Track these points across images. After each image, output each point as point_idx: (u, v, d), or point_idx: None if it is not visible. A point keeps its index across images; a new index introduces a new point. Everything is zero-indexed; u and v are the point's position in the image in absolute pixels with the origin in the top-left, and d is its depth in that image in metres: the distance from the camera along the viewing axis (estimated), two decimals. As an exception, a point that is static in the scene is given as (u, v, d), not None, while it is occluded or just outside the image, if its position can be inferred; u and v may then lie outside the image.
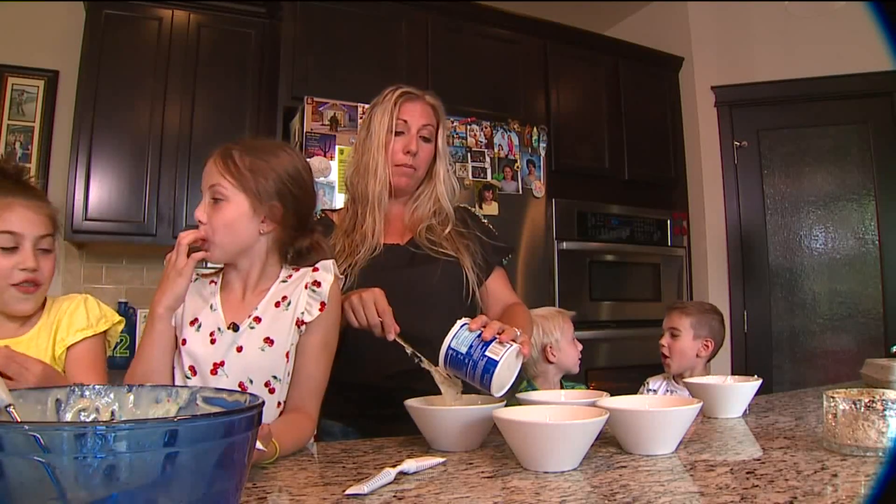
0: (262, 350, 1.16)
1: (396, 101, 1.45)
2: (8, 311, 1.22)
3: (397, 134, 1.45)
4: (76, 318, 1.31)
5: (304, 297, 1.19)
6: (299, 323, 1.18)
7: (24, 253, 1.19)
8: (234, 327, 1.18)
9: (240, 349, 1.16)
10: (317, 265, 1.23)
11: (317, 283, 1.20)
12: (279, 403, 1.17)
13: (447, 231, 1.48)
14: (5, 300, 1.20)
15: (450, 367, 1.12)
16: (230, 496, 0.60)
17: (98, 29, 2.79)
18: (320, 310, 1.18)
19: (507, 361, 1.07)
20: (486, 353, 1.07)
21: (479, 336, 1.10)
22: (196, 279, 1.23)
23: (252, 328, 1.18)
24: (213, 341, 1.17)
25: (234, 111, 2.96)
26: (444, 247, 1.45)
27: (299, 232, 1.23)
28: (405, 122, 1.45)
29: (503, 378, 1.08)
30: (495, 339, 1.10)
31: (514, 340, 1.11)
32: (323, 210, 1.58)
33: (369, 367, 1.36)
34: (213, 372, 1.15)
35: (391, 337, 1.21)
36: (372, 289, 1.25)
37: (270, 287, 1.22)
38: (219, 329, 1.18)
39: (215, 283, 1.24)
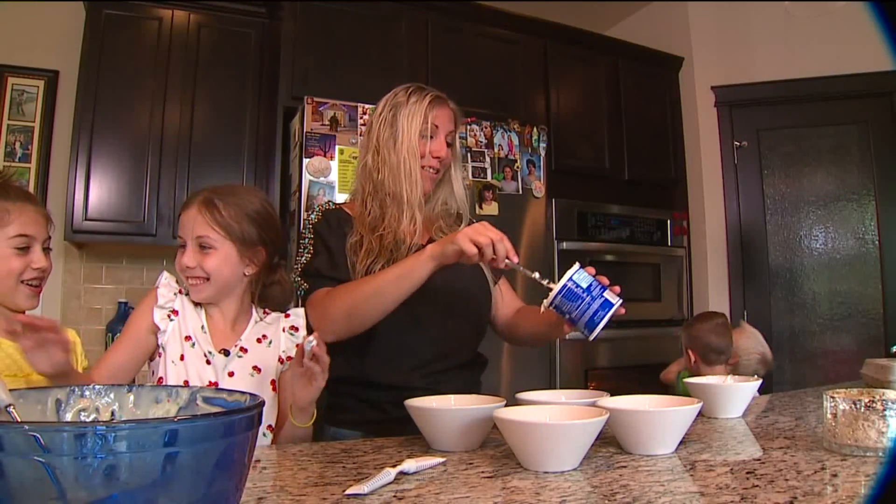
0: (252, 376, 1.32)
1: (430, 106, 1.44)
2: (16, 307, 1.28)
3: (429, 138, 1.44)
4: (78, 349, 1.43)
5: (283, 338, 1.38)
6: (282, 360, 1.36)
7: (35, 254, 1.28)
8: (225, 352, 1.31)
9: (231, 374, 1.30)
10: (288, 312, 1.41)
11: (294, 328, 1.39)
12: (269, 426, 1.30)
13: (455, 230, 1.50)
14: (15, 297, 1.27)
15: (563, 299, 1.17)
16: (230, 496, 0.60)
17: (98, 29, 2.79)
18: (297, 349, 1.36)
19: (616, 309, 1.16)
20: (605, 295, 1.16)
21: (596, 278, 1.18)
22: (186, 294, 1.34)
23: (240, 357, 1.32)
24: (207, 362, 1.29)
25: (234, 111, 2.96)
26: None
27: (270, 269, 1.40)
28: (436, 126, 1.45)
29: (606, 322, 1.16)
30: (608, 287, 1.18)
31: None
32: (335, 203, 1.54)
33: (402, 364, 1.37)
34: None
35: (516, 259, 1.21)
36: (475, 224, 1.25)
37: (248, 323, 1.37)
38: (209, 352, 1.30)
39: (199, 305, 1.34)
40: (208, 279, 1.30)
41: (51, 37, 3.02)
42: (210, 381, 1.27)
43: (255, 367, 1.33)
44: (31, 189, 2.93)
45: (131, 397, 0.77)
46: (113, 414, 0.76)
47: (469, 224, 1.56)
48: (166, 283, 1.33)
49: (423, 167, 1.44)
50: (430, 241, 1.47)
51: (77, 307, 2.99)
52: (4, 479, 0.51)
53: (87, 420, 0.75)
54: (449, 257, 1.22)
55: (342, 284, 1.34)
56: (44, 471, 0.50)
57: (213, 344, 1.31)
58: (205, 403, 0.75)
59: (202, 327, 1.32)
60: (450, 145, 1.48)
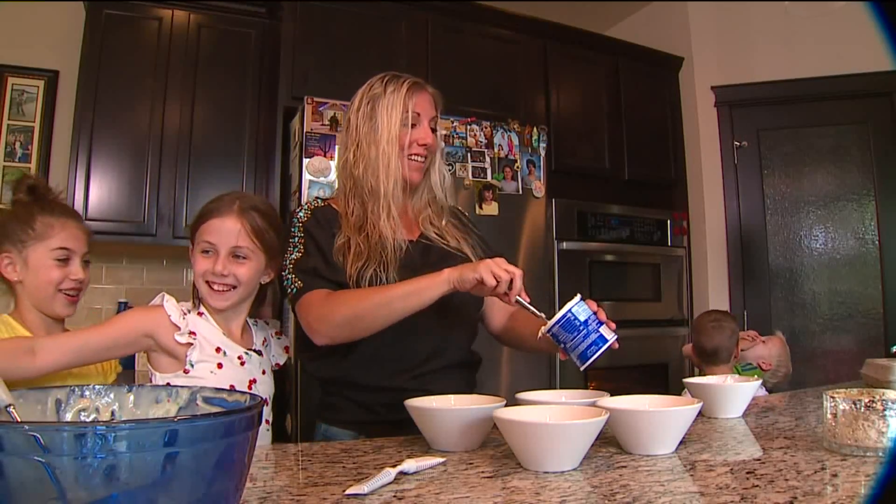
0: (271, 376, 1.42)
1: (408, 94, 1.40)
2: (54, 314, 1.39)
3: (412, 126, 1.40)
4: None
5: (273, 342, 1.48)
6: (274, 364, 1.47)
7: (74, 266, 1.39)
8: (259, 352, 1.38)
9: (264, 372, 1.38)
10: (266, 320, 1.50)
11: (278, 333, 1.51)
12: (266, 420, 1.36)
13: (444, 222, 1.49)
14: (53, 305, 1.37)
15: (561, 328, 1.20)
16: (230, 496, 0.60)
17: (98, 29, 2.79)
18: (286, 351, 1.50)
19: (609, 344, 1.19)
20: (600, 330, 1.20)
21: (595, 314, 1.20)
22: (189, 312, 1.34)
23: (261, 357, 1.39)
24: (242, 363, 1.34)
25: (234, 111, 2.96)
26: (447, 239, 1.46)
27: None
28: (418, 114, 1.41)
29: (599, 356, 1.20)
30: (605, 323, 1.20)
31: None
32: (323, 199, 1.49)
33: (389, 367, 1.35)
34: (249, 387, 1.33)
35: (527, 299, 1.24)
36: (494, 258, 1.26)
37: (250, 327, 1.43)
38: (245, 353, 1.35)
39: (204, 315, 1.35)
40: (236, 287, 1.33)
41: (51, 37, 3.02)
42: (250, 380, 1.33)
43: (273, 368, 1.44)
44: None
45: (131, 397, 0.77)
46: (113, 414, 0.76)
47: (452, 212, 1.55)
48: (173, 307, 1.31)
49: (409, 156, 1.40)
50: (422, 235, 1.46)
51: (77, 307, 2.99)
52: (4, 479, 0.51)
53: (87, 420, 0.75)
54: (466, 283, 1.22)
55: (346, 290, 1.31)
56: (44, 471, 0.50)
57: (238, 347, 1.35)
58: (205, 403, 0.75)
59: (224, 334, 1.35)
60: (434, 131, 1.45)
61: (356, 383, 1.36)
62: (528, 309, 1.24)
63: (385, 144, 1.38)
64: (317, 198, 1.50)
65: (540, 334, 1.23)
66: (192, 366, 1.27)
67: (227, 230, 1.31)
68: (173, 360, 1.28)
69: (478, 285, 1.22)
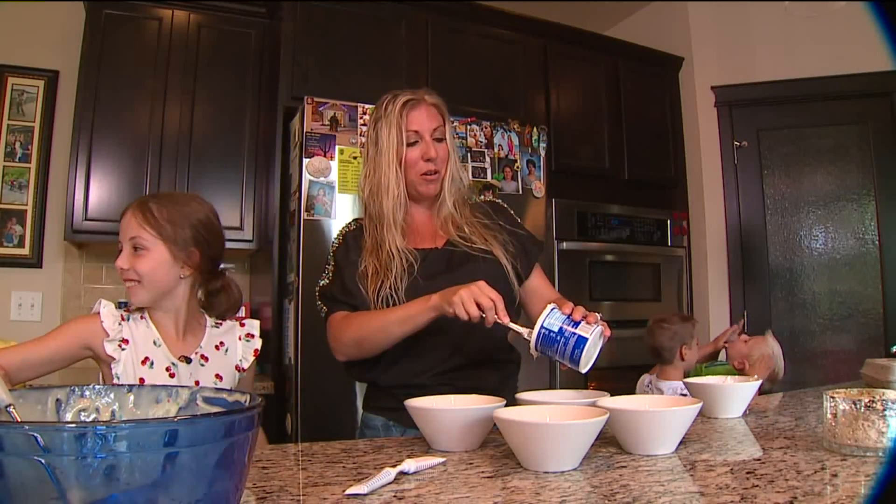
0: (215, 384, 1.35)
1: (401, 113, 1.42)
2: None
3: (411, 145, 1.43)
4: None
5: (240, 346, 1.43)
6: (238, 369, 1.41)
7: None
8: (187, 360, 1.33)
9: (197, 383, 1.32)
10: (243, 321, 1.45)
11: (250, 335, 1.45)
12: None
13: (469, 224, 1.50)
14: None
15: (542, 345, 1.19)
16: (230, 496, 0.60)
17: (98, 29, 2.79)
18: (254, 355, 1.44)
19: (594, 339, 1.17)
20: (577, 331, 1.17)
21: (570, 317, 1.19)
22: (128, 319, 1.32)
23: (202, 365, 1.34)
24: (171, 375, 1.30)
25: (234, 111, 2.96)
26: (475, 240, 1.46)
27: (212, 274, 1.41)
28: (416, 131, 1.43)
29: (590, 354, 1.18)
30: (582, 321, 1.18)
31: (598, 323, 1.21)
32: (358, 220, 1.55)
33: (410, 369, 1.40)
34: None
35: (506, 320, 1.22)
36: (471, 284, 1.24)
37: (204, 329, 1.39)
38: (173, 363, 1.31)
39: (145, 318, 1.33)
40: (139, 281, 1.32)
41: (51, 37, 3.02)
42: None
43: (217, 375, 1.36)
44: (31, 189, 2.94)
45: (131, 397, 0.77)
46: (113, 414, 0.76)
47: (483, 208, 1.58)
48: (109, 314, 1.30)
49: (421, 175, 1.44)
50: (448, 242, 1.48)
51: (77, 307, 2.99)
52: (4, 479, 0.51)
53: (87, 420, 0.75)
54: (447, 313, 1.24)
55: (357, 313, 1.40)
56: (44, 471, 0.50)
57: (171, 354, 1.32)
58: (205, 403, 0.75)
59: (154, 342, 1.31)
60: (441, 140, 1.47)
61: (382, 386, 1.44)
62: (512, 329, 1.22)
63: (386, 167, 1.43)
64: (354, 219, 1.57)
65: (532, 353, 1.23)
66: (119, 379, 1.27)
67: (125, 223, 1.34)
68: (111, 372, 1.28)
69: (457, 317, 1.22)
